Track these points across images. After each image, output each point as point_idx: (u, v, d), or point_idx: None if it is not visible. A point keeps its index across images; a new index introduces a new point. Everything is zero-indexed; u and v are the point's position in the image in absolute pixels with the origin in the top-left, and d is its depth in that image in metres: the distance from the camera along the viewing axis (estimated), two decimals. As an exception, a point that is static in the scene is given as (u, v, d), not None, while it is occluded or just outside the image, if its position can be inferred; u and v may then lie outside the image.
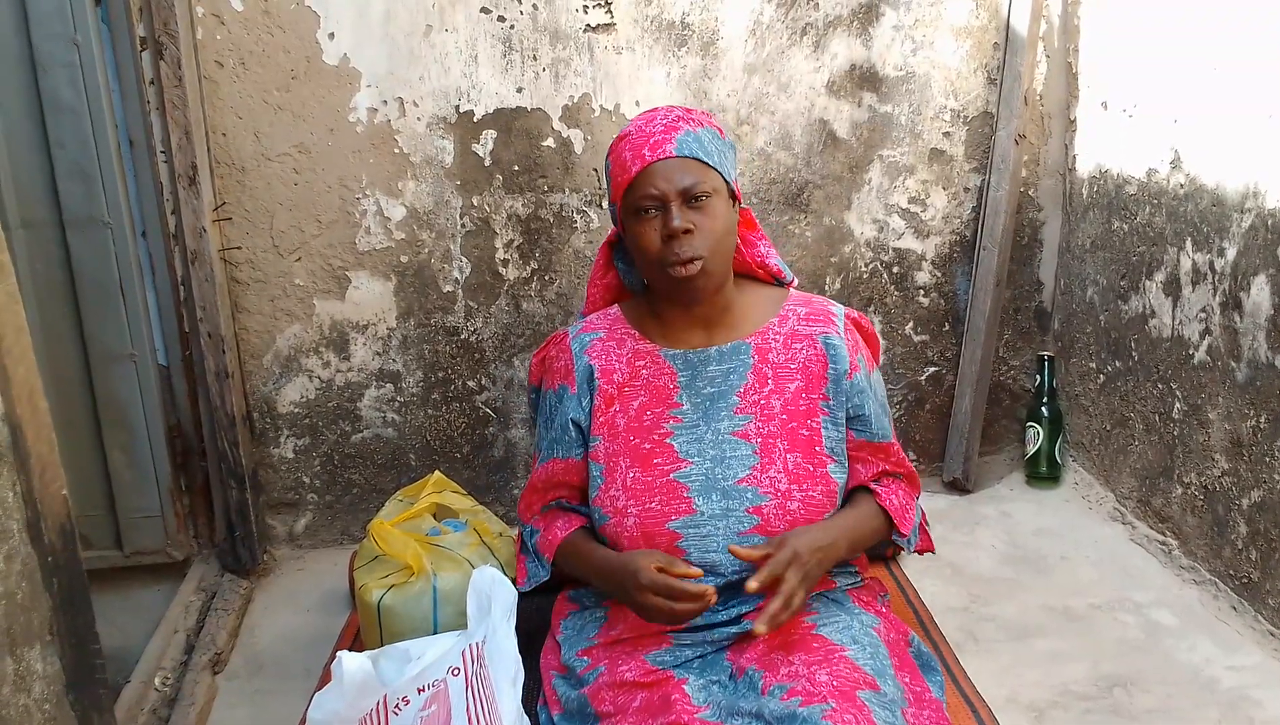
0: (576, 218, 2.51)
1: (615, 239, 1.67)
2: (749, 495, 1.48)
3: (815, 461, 1.51)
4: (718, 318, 1.56)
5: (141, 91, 2.20)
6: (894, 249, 2.66)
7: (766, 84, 2.50)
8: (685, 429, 1.52)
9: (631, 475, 1.51)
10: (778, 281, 1.65)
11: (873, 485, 1.60)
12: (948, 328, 2.73)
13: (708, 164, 1.46)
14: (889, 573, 2.24)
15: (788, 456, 1.51)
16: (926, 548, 1.70)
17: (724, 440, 1.51)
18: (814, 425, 1.53)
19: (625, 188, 1.47)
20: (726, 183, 1.50)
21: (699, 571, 1.41)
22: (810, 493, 1.50)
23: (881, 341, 2.70)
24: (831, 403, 1.54)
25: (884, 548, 2.16)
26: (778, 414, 1.52)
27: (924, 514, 1.69)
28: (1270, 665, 1.97)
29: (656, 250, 1.46)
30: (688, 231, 1.44)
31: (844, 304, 2.60)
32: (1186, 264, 2.25)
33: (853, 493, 1.61)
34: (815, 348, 1.55)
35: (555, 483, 1.62)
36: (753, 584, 1.36)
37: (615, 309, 1.65)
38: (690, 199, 1.45)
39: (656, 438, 1.52)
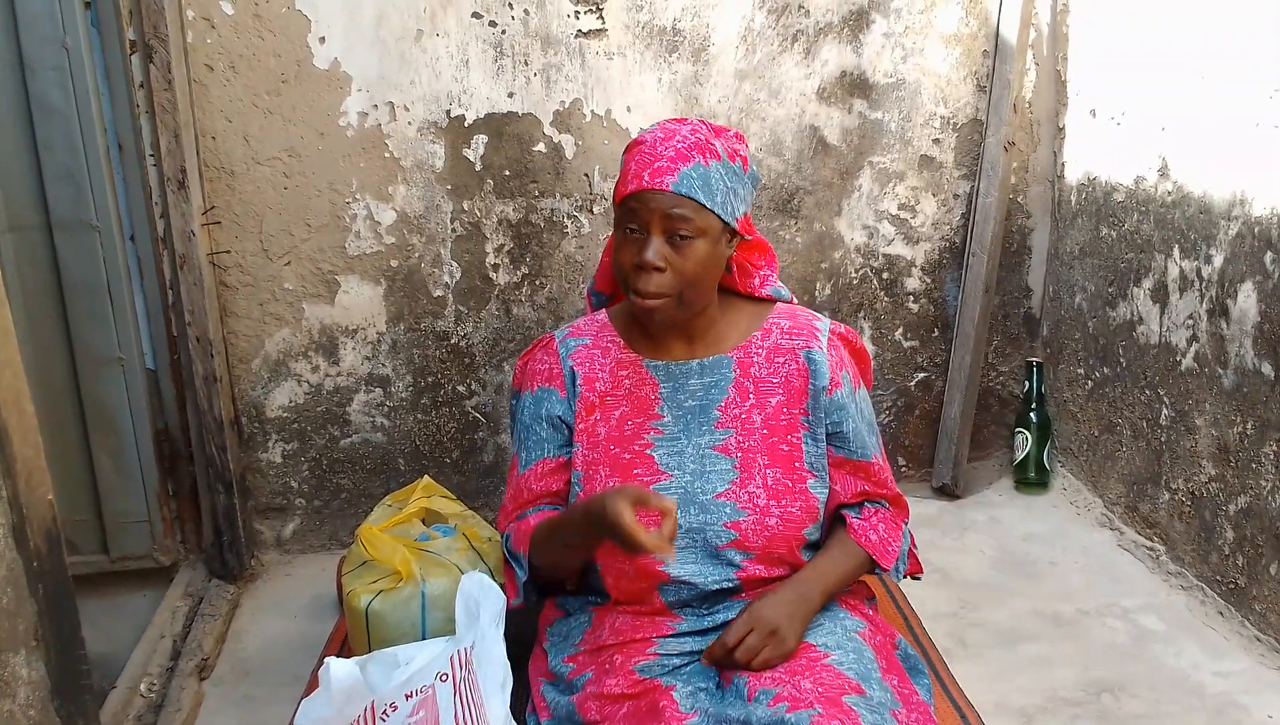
0: (567, 223, 2.51)
1: None
2: (727, 510, 1.48)
3: (795, 477, 1.51)
4: (699, 334, 1.55)
5: (131, 95, 2.19)
6: (884, 255, 2.66)
7: (757, 90, 2.51)
8: (666, 441, 1.52)
9: (611, 485, 1.50)
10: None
11: (851, 518, 1.57)
12: (937, 333, 2.74)
13: (704, 205, 1.41)
14: (878, 577, 2.24)
15: (767, 471, 1.50)
16: (915, 571, 1.69)
17: (704, 454, 1.50)
18: (794, 440, 1.52)
19: (620, 199, 1.46)
20: (724, 221, 1.45)
21: (672, 504, 1.35)
22: (789, 508, 1.49)
23: (871, 348, 2.70)
24: (810, 418, 1.53)
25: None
26: (758, 429, 1.51)
27: (912, 539, 1.66)
28: (1257, 670, 1.98)
29: (626, 270, 1.45)
30: (658, 269, 1.42)
31: (834, 310, 2.64)
32: (1174, 271, 2.26)
33: (831, 527, 1.58)
34: (797, 362, 1.54)
35: (539, 493, 1.58)
36: (704, 658, 1.42)
37: (603, 315, 1.64)
38: (672, 235, 1.42)
39: (637, 449, 1.52)
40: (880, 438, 1.62)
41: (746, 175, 1.49)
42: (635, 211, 1.42)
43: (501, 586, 1.55)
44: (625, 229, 1.45)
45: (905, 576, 1.66)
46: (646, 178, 1.41)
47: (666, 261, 1.42)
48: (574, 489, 1.54)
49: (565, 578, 1.60)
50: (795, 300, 1.66)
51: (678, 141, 1.43)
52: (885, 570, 1.58)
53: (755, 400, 1.52)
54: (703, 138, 1.44)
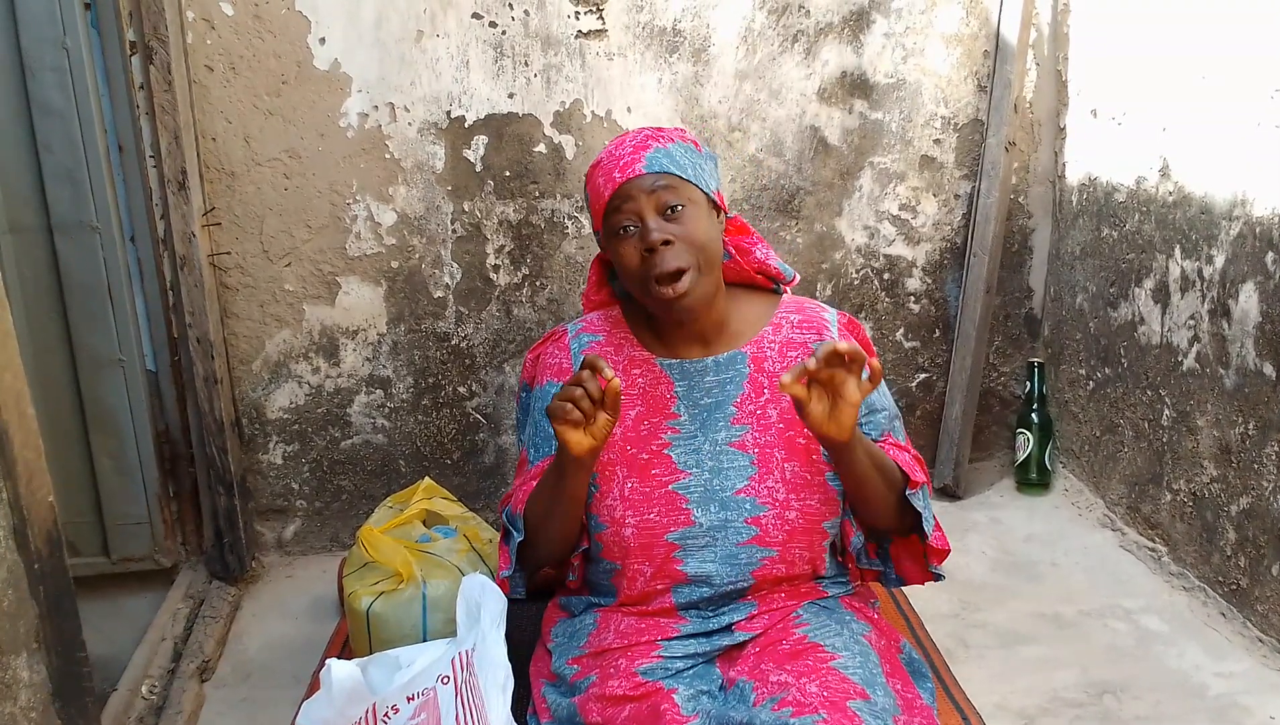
0: (568, 223, 2.51)
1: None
2: (747, 506, 1.48)
3: (813, 470, 1.51)
4: (712, 331, 1.55)
5: (131, 96, 2.19)
6: (885, 255, 2.66)
7: (758, 91, 2.51)
8: (683, 440, 1.52)
9: (630, 485, 1.50)
10: (776, 283, 1.63)
11: (881, 444, 1.53)
12: (938, 334, 2.74)
13: (681, 177, 1.45)
14: (882, 584, 2.23)
15: (785, 466, 1.50)
16: (943, 548, 1.55)
17: (721, 451, 1.51)
18: (810, 433, 1.52)
19: (602, 212, 1.47)
20: (705, 193, 1.48)
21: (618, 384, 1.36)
22: (808, 501, 1.49)
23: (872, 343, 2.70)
24: None
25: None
26: (774, 423, 1.52)
27: (936, 521, 1.59)
28: (1259, 671, 1.98)
29: (639, 267, 1.45)
30: (667, 243, 1.43)
31: (835, 310, 2.64)
32: (1175, 271, 2.26)
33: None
34: (809, 355, 1.54)
35: None
36: (785, 378, 1.30)
37: (617, 311, 1.63)
38: (665, 211, 1.44)
39: (654, 448, 1.52)
40: (902, 423, 1.60)
41: (704, 154, 1.53)
42: (621, 209, 1.45)
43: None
44: (619, 231, 1.45)
45: (935, 547, 1.53)
46: (618, 175, 1.45)
47: (671, 235, 1.43)
48: (590, 490, 1.53)
49: (557, 552, 1.54)
50: (799, 277, 1.66)
51: (629, 142, 1.49)
52: (915, 488, 1.48)
53: (770, 395, 1.53)
54: (650, 133, 1.51)
